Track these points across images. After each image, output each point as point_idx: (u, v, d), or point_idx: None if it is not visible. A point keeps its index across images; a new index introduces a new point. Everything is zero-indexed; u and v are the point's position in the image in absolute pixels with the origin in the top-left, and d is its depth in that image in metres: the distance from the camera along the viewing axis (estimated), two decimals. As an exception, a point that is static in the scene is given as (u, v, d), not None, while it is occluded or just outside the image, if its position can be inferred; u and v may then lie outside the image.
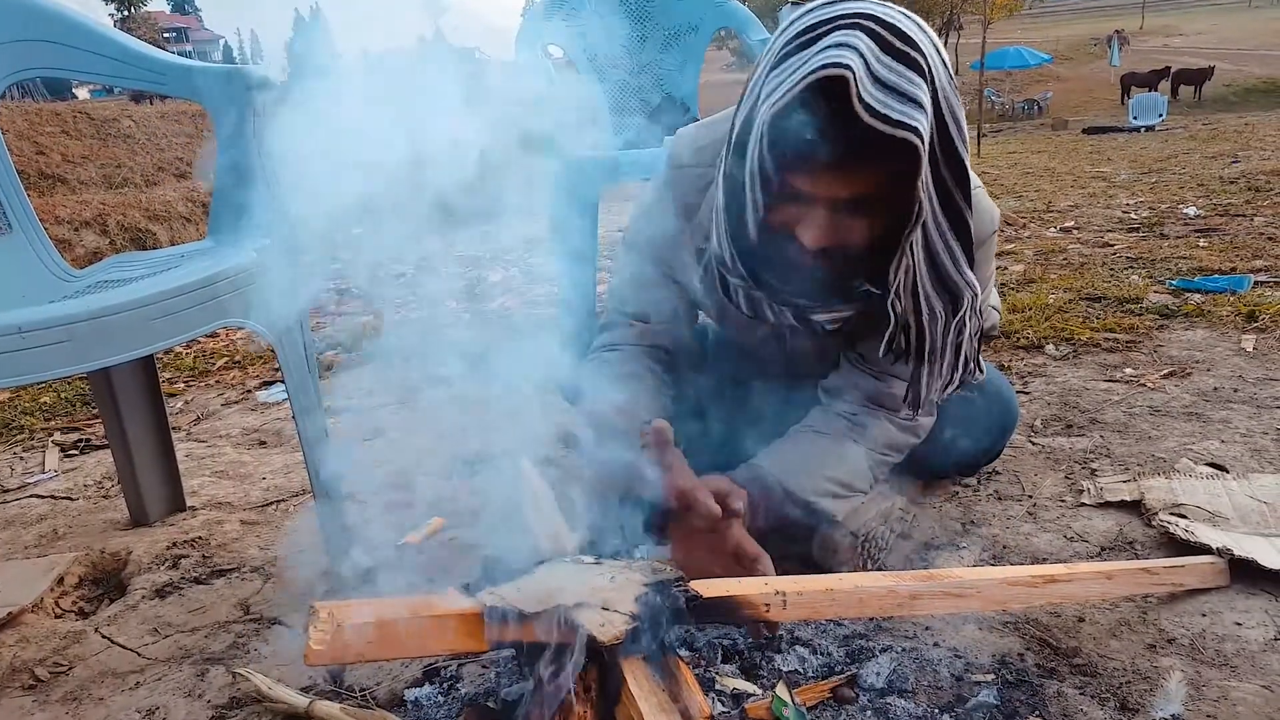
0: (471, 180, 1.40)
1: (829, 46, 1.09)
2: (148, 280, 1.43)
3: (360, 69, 1.67)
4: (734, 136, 1.25)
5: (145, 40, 1.78)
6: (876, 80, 1.07)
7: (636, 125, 3.04)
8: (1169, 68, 29.61)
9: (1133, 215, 5.90)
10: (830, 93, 1.07)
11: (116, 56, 1.69)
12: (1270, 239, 4.57)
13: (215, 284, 1.42)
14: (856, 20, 1.10)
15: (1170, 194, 6.85)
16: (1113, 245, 4.82)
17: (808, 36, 1.12)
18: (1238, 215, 5.48)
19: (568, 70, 3.00)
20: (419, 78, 1.53)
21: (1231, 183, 7.18)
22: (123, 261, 1.81)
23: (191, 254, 1.69)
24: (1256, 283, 3.61)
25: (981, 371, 1.50)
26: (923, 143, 1.09)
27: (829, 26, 1.11)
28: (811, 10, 1.16)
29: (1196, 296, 3.47)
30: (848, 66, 1.05)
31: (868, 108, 1.06)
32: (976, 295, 1.32)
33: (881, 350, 1.36)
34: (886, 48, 1.09)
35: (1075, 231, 5.46)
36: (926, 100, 1.09)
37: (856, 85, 1.05)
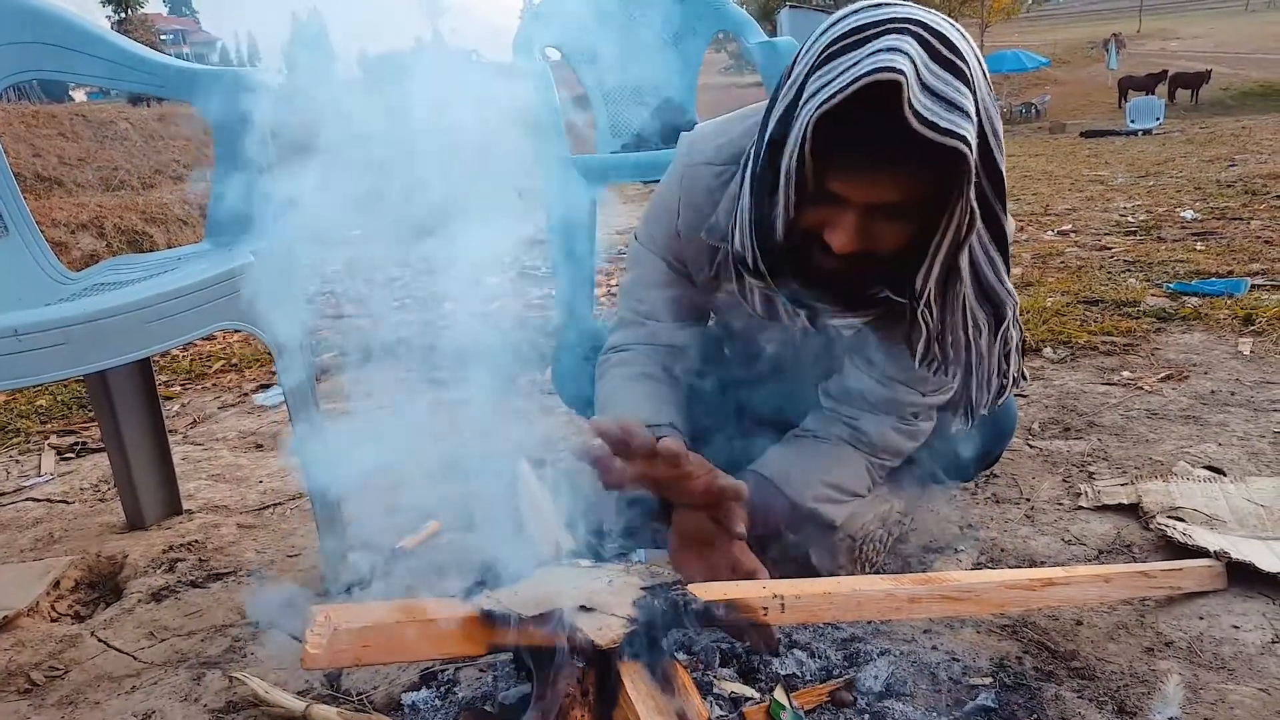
0: (470, 183, 1.40)
1: (880, 50, 1.06)
2: (144, 283, 1.43)
3: (358, 71, 1.67)
4: (767, 135, 1.23)
5: (142, 43, 1.78)
6: (926, 88, 1.05)
7: (634, 128, 3.04)
8: (1166, 71, 29.66)
9: (1130, 219, 5.90)
10: (879, 97, 1.04)
11: (113, 59, 1.69)
12: (1267, 242, 4.58)
13: (212, 287, 1.42)
14: (906, 25, 1.08)
15: (1168, 197, 6.87)
16: (1110, 248, 4.83)
17: (856, 38, 1.10)
18: (1235, 219, 5.49)
19: (565, 73, 3.00)
20: (416, 80, 1.53)
21: (1228, 186, 7.20)
22: (119, 264, 1.80)
23: (188, 257, 1.69)
24: (1253, 286, 3.62)
25: (1027, 379, 1.49)
26: (971, 152, 1.08)
27: (878, 29, 1.09)
28: (858, 11, 1.14)
29: (1194, 300, 3.47)
30: (901, 71, 1.03)
31: (917, 115, 1.04)
32: (1017, 304, 1.32)
33: (917, 360, 1.35)
34: (934, 55, 1.07)
35: (1073, 235, 5.46)
36: (973, 110, 1.08)
37: (908, 90, 1.03)
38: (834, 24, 1.15)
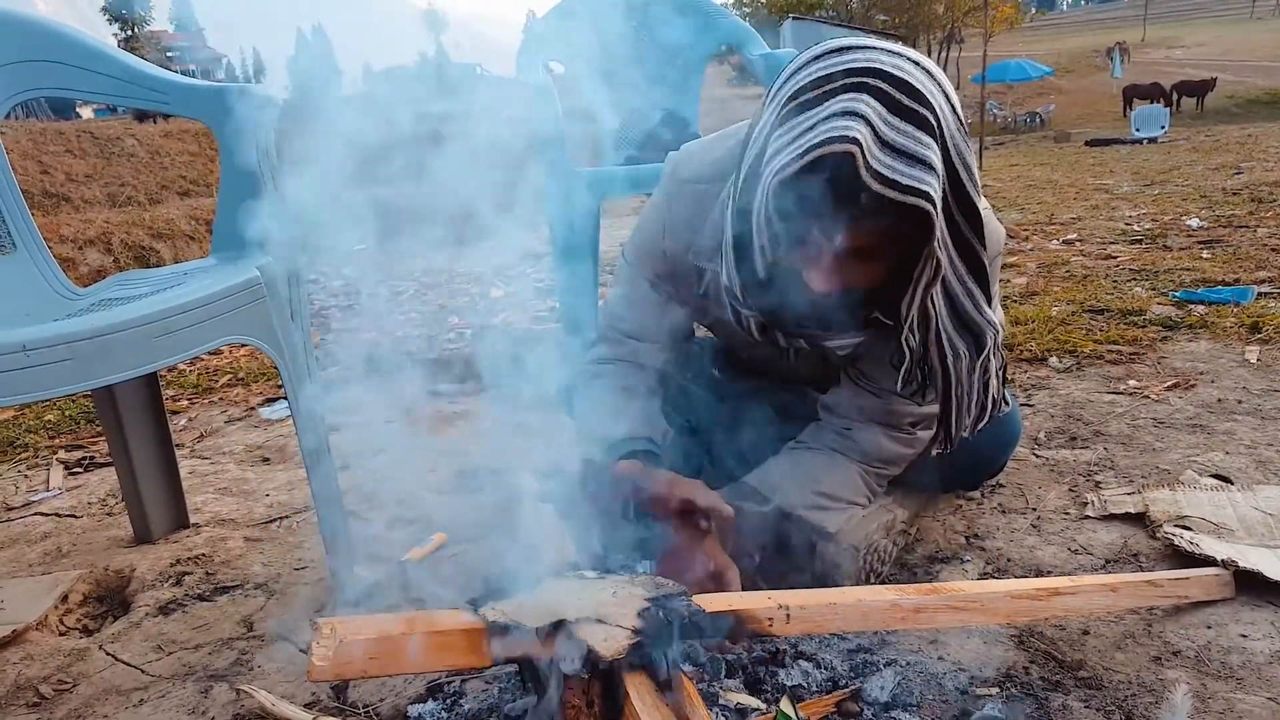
0: (473, 196, 1.40)
1: (834, 115, 1.07)
2: (151, 298, 1.43)
3: (363, 86, 1.68)
4: (741, 180, 1.24)
5: (149, 60, 1.79)
6: (885, 145, 1.06)
7: (637, 141, 3.05)
8: (1175, 89, 29.56)
9: (1135, 227, 5.90)
10: (837, 163, 1.05)
11: (121, 76, 1.70)
12: (1274, 250, 4.56)
13: (218, 301, 1.43)
14: (863, 80, 1.08)
15: (1173, 205, 6.85)
16: (1116, 257, 4.82)
17: (814, 94, 1.10)
18: (1241, 226, 5.48)
19: (569, 86, 3.01)
20: (421, 94, 1.54)
21: (1234, 194, 7.18)
22: (126, 279, 1.81)
23: (195, 271, 1.70)
24: (1260, 294, 3.60)
25: (1007, 404, 1.50)
26: (934, 205, 1.08)
27: (837, 85, 1.09)
28: (820, 59, 1.14)
29: (1200, 308, 3.47)
30: (854, 140, 1.03)
31: (877, 175, 1.04)
32: (999, 333, 1.32)
33: (899, 385, 1.36)
34: (895, 108, 1.07)
35: (1078, 243, 5.46)
36: (937, 160, 1.09)
37: (864, 155, 1.03)
38: (798, 70, 1.15)
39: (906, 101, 1.08)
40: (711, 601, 1.12)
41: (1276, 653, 1.31)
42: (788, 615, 1.13)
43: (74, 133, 12.27)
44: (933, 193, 1.08)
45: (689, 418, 1.64)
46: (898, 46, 1.16)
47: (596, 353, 1.61)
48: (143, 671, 1.50)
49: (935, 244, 1.14)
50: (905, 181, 1.06)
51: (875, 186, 1.05)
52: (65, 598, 1.76)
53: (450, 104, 1.50)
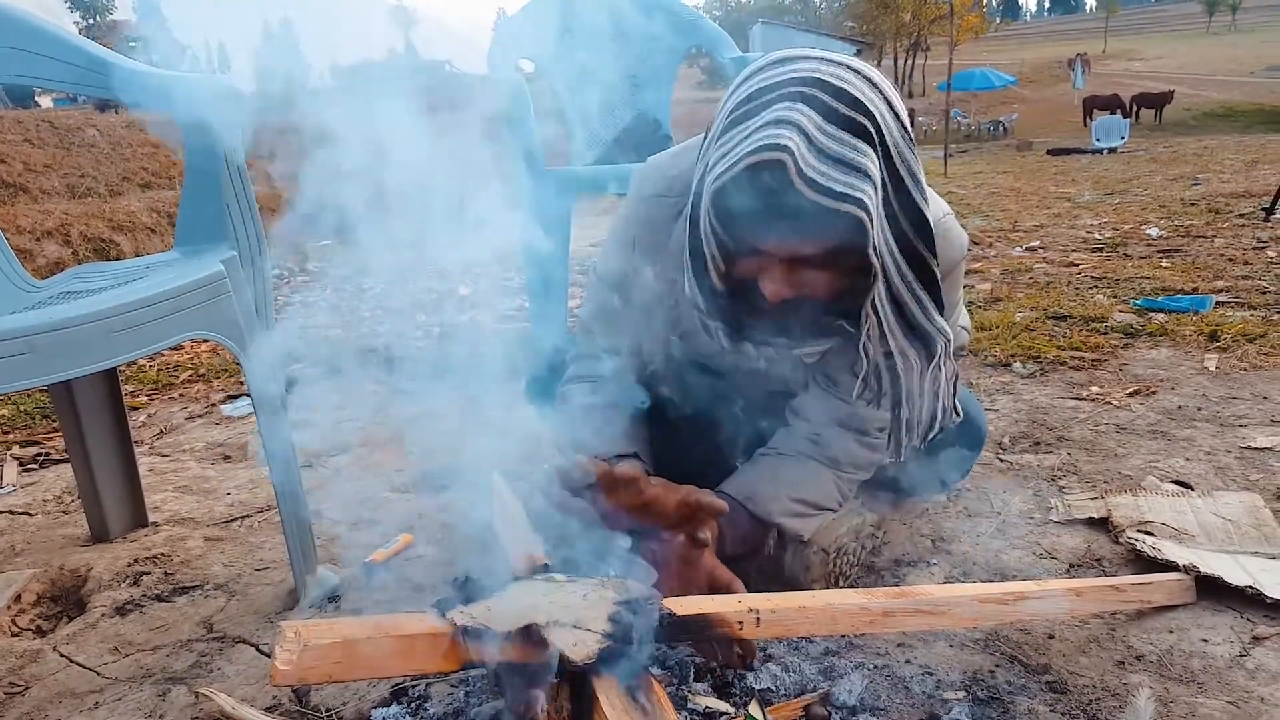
0: (441, 193, 1.39)
1: (769, 123, 1.09)
2: (112, 291, 1.40)
3: (330, 80, 1.66)
4: (692, 194, 1.26)
5: (111, 49, 1.75)
6: (820, 152, 1.07)
7: (608, 141, 3.05)
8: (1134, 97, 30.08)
9: (1097, 235, 5.99)
10: (771, 169, 1.07)
11: (83, 64, 1.66)
12: (1230, 260, 4.65)
13: (181, 296, 1.40)
14: (800, 90, 1.10)
15: (1133, 215, 6.97)
16: (1078, 265, 4.89)
17: (752, 104, 1.13)
18: (1199, 236, 5.58)
19: (540, 85, 3.00)
20: (389, 90, 1.52)
21: (1192, 205, 7.32)
22: (86, 272, 1.78)
23: (157, 265, 1.66)
24: (1218, 303, 3.67)
25: (959, 414, 1.51)
26: (867, 213, 1.09)
27: (773, 95, 1.11)
28: (761, 71, 1.16)
29: (1160, 316, 3.52)
30: (785, 148, 1.05)
31: (810, 182, 1.06)
32: (950, 341, 1.33)
33: (855, 393, 1.37)
34: (830, 116, 1.09)
35: (1041, 251, 5.53)
36: (873, 166, 1.10)
37: (797, 163, 1.05)
38: (742, 83, 1.18)
39: (844, 110, 1.09)
40: (682, 605, 1.11)
41: (1236, 657, 1.33)
42: (758, 619, 1.12)
43: (33, 122, 12.02)
44: (867, 200, 1.09)
45: (663, 425, 1.63)
46: (842, 57, 1.17)
47: (575, 370, 1.60)
48: (98, 674, 1.47)
49: (872, 250, 1.15)
50: (839, 189, 1.07)
51: (808, 194, 1.07)
52: (18, 597, 1.71)
53: (420, 100, 1.48)
